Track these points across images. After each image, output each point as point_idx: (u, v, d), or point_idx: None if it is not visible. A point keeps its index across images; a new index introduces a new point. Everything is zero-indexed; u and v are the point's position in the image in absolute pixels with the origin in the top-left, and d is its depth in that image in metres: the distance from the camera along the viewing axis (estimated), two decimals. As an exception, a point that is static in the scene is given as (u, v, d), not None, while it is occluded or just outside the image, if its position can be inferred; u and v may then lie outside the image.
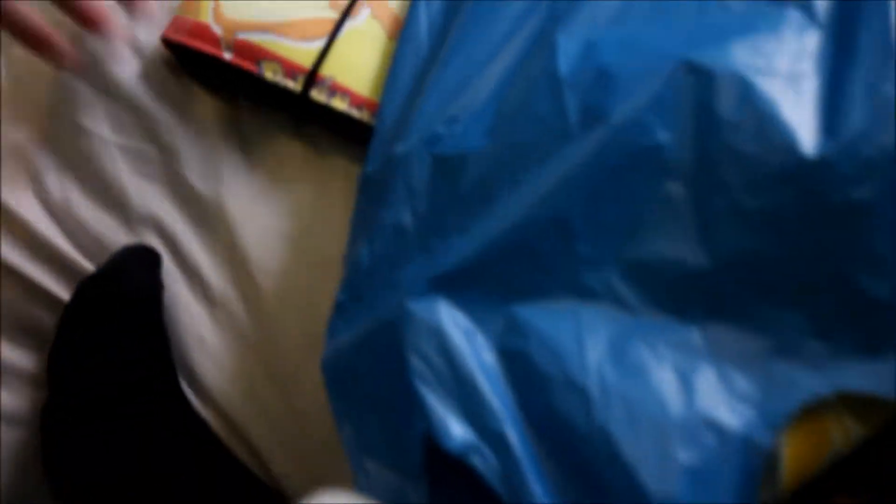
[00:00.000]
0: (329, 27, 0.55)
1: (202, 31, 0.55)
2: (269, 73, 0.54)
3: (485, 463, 0.37)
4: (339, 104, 0.55)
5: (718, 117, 0.37)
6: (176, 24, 0.57)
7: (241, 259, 0.60)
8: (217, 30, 0.55)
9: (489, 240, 0.40)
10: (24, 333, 0.63)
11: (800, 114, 0.36)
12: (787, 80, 0.37)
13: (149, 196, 0.62)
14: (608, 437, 0.36)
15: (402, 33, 0.55)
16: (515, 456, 0.37)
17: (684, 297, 0.38)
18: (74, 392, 0.59)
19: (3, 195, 0.62)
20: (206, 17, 0.55)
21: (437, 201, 0.45)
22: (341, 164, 0.61)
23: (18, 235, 0.63)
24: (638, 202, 0.38)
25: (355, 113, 0.56)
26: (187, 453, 0.59)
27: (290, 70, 0.55)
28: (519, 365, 0.39)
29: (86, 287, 0.61)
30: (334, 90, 0.55)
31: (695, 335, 0.38)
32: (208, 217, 0.61)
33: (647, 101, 0.39)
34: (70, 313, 0.61)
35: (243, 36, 0.54)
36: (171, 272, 0.62)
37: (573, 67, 0.42)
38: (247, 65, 0.54)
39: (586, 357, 0.38)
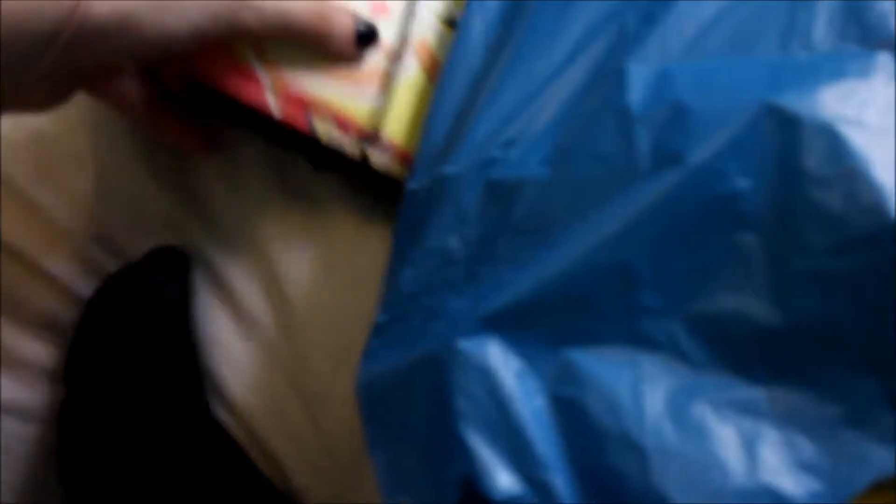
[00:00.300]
0: (381, 76, 0.48)
1: (243, 74, 0.46)
2: (322, 130, 0.47)
3: (530, 514, 0.36)
4: (396, 169, 0.50)
5: (803, 169, 0.35)
6: (207, 58, 0.46)
7: (272, 271, 0.59)
8: (263, 75, 0.46)
9: (545, 279, 0.38)
10: (42, 327, 0.62)
11: (890, 172, 0.34)
12: (878, 134, 0.35)
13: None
14: (664, 499, 0.34)
15: (453, 43, 0.53)
16: (563, 509, 0.35)
17: (751, 356, 0.36)
18: (93, 390, 0.58)
19: (31, 191, 0.61)
20: (248, 58, 0.47)
21: (488, 229, 0.43)
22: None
23: (39, 227, 0.62)
24: (709, 252, 0.36)
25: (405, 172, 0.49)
26: (205, 459, 0.58)
27: (346, 127, 0.48)
28: (572, 414, 0.37)
29: (110, 283, 0.59)
30: (391, 153, 0.49)
31: (760, 396, 0.36)
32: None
33: (726, 145, 0.36)
34: (92, 309, 0.60)
35: (294, 85, 0.47)
36: (198, 280, 0.60)
37: (644, 101, 0.40)
38: (298, 119, 0.47)
39: (644, 411, 0.36)
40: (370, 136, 0.47)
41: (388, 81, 0.47)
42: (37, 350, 0.62)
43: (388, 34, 0.48)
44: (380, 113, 0.47)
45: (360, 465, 0.56)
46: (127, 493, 0.56)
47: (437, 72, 0.48)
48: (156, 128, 0.51)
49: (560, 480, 0.36)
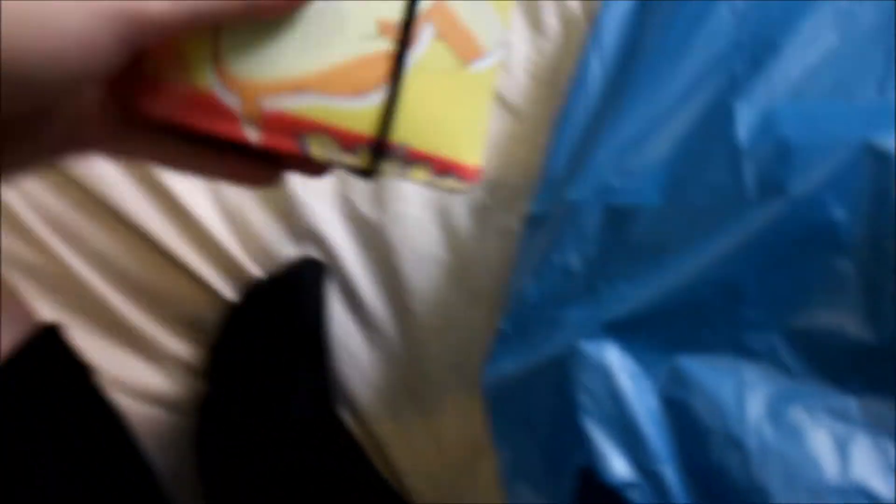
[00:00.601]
0: (385, 67, 0.35)
1: (205, 104, 0.34)
2: (318, 150, 0.35)
3: (642, 499, 0.40)
4: (420, 176, 0.38)
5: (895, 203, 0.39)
6: (156, 92, 0.34)
7: (398, 283, 0.65)
8: (230, 100, 0.34)
9: (660, 293, 0.43)
10: (186, 325, 0.69)
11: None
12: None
13: (317, 213, 0.67)
14: (765, 493, 0.39)
15: (573, 81, 0.58)
16: (672, 496, 0.40)
17: (845, 368, 0.40)
18: (233, 389, 0.64)
19: (182, 193, 0.67)
20: (207, 79, 0.33)
21: (606, 248, 0.48)
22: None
23: (193, 233, 0.68)
24: (808, 274, 0.41)
25: (438, 183, 0.39)
26: (330, 458, 0.63)
27: (349, 141, 0.35)
28: (681, 413, 0.42)
29: (257, 291, 0.65)
30: (410, 160, 0.37)
31: (852, 404, 0.40)
32: (371, 239, 0.66)
33: (827, 179, 0.41)
34: (239, 314, 0.66)
35: (272, 103, 0.34)
36: (331, 288, 0.67)
37: (752, 137, 0.45)
38: (285, 145, 0.35)
39: (746, 414, 0.40)
40: (378, 144, 0.35)
41: (391, 68, 0.35)
42: (181, 346, 0.69)
43: (390, 7, 0.35)
44: (385, 111, 0.35)
45: (470, 469, 0.61)
46: (258, 485, 0.62)
47: (458, 35, 0.36)
48: (197, 172, 0.37)
49: (670, 472, 0.41)
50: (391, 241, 0.65)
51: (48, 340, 0.50)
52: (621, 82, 0.55)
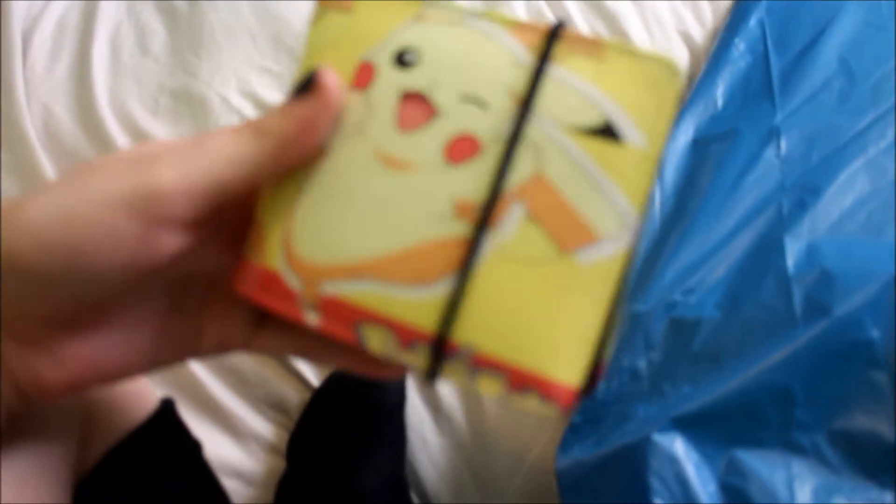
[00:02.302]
0: (457, 254, 0.30)
1: (274, 284, 0.32)
2: (375, 343, 0.30)
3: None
4: (491, 388, 0.30)
5: (924, 326, 0.47)
6: (246, 271, 0.33)
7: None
8: (293, 282, 0.32)
9: (719, 394, 0.51)
10: (270, 406, 0.75)
11: None
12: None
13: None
14: (812, 569, 0.45)
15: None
16: (730, 572, 0.47)
17: (882, 466, 0.47)
18: (311, 469, 0.69)
19: None
20: (276, 261, 0.32)
21: (670, 354, 0.56)
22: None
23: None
24: (849, 383, 0.48)
25: (517, 400, 0.30)
26: None
27: (407, 337, 0.30)
28: (738, 499, 0.48)
29: (339, 378, 0.72)
30: (478, 366, 0.30)
31: (888, 499, 0.47)
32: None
33: (864, 303, 0.49)
34: (319, 399, 0.72)
35: (331, 289, 0.31)
36: (410, 380, 0.73)
37: (799, 266, 0.53)
38: (342, 332, 0.31)
39: (796, 501, 0.47)
40: (437, 342, 0.29)
41: (464, 257, 0.29)
42: (263, 425, 0.75)
43: (473, 184, 0.30)
44: (449, 304, 0.29)
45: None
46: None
47: (559, 217, 0.29)
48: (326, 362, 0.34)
49: (727, 550, 0.48)
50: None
51: (164, 415, 0.55)
52: (681, 213, 0.64)
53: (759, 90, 0.70)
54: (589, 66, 0.29)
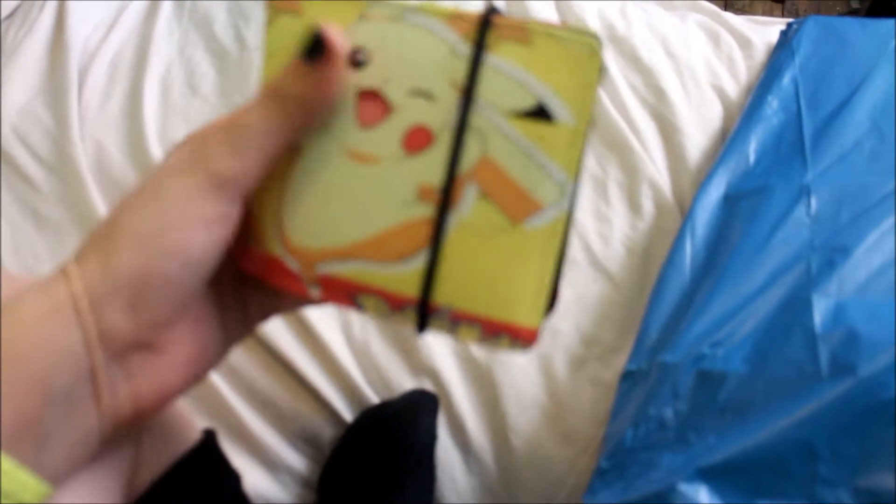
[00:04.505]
0: (426, 232, 0.37)
1: (277, 266, 0.39)
2: (374, 310, 0.38)
3: None
4: (470, 335, 0.38)
5: (948, 389, 0.48)
6: (249, 254, 0.40)
7: (500, 419, 0.74)
8: (292, 264, 0.39)
9: (745, 447, 0.52)
10: (304, 440, 0.77)
11: None
12: None
13: (434, 351, 0.77)
14: None
15: (668, 260, 0.69)
16: None
17: (904, 524, 0.48)
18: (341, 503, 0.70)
19: (318, 326, 0.78)
20: (275, 247, 0.39)
21: (697, 406, 0.57)
22: (595, 354, 0.75)
23: (321, 359, 0.78)
24: (873, 442, 0.49)
25: (491, 343, 0.39)
26: None
27: (396, 302, 0.38)
28: (761, 551, 0.50)
29: (372, 414, 0.73)
30: (457, 320, 0.37)
31: (909, 556, 0.48)
32: (480, 379, 0.75)
33: (889, 365, 0.50)
34: (352, 436, 0.73)
35: (325, 269, 0.38)
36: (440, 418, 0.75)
37: (826, 325, 0.55)
38: (343, 302, 0.39)
39: (819, 555, 0.48)
40: (421, 306, 0.37)
41: (432, 234, 0.36)
42: (296, 458, 0.76)
43: (430, 170, 0.36)
44: (427, 277, 0.36)
45: None
46: None
47: (507, 192, 0.35)
48: None
49: None
50: (497, 382, 0.74)
51: (208, 445, 0.55)
52: (711, 267, 0.66)
53: (791, 148, 0.71)
54: (519, 51, 0.34)
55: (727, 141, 0.77)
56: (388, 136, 0.36)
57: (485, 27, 0.34)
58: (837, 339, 0.54)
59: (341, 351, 0.78)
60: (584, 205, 0.81)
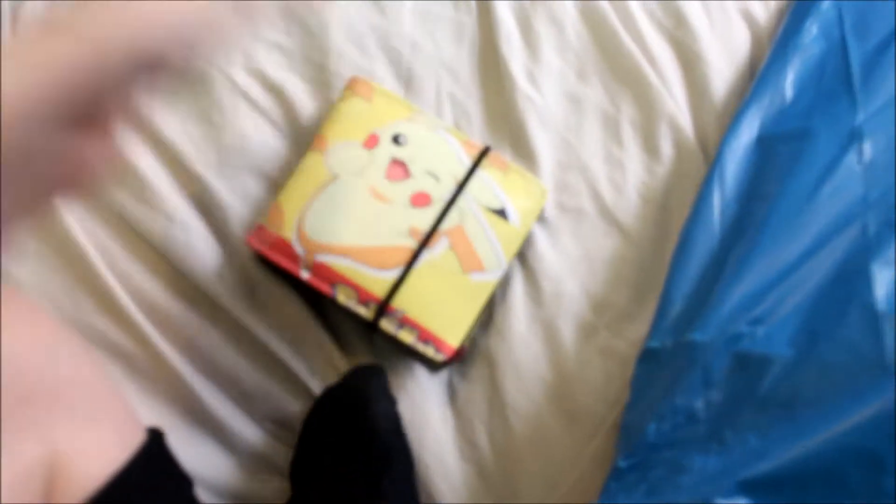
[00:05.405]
0: (406, 257, 0.59)
1: (284, 248, 0.59)
2: (343, 298, 0.58)
3: None
4: (407, 337, 0.59)
5: None
6: (260, 233, 0.60)
7: (497, 397, 0.65)
8: (298, 249, 0.58)
9: (795, 454, 0.44)
10: (274, 422, 0.67)
11: None
12: None
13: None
14: None
15: (693, 214, 0.60)
16: None
17: None
18: (315, 491, 0.62)
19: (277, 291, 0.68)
20: (290, 233, 0.58)
21: (733, 396, 0.48)
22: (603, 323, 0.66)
23: (285, 327, 0.67)
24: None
25: (420, 348, 0.60)
26: None
27: (364, 297, 0.58)
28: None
29: (325, 404, 0.63)
30: (403, 323, 0.59)
31: None
32: (474, 349, 0.66)
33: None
34: (311, 426, 0.64)
35: (322, 258, 0.58)
36: (428, 394, 0.65)
37: (890, 300, 0.45)
38: (323, 287, 0.58)
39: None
40: (383, 304, 0.58)
41: (409, 259, 0.58)
42: (265, 441, 0.66)
43: (423, 221, 0.59)
44: (396, 285, 0.58)
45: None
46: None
47: (466, 251, 0.60)
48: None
49: None
50: (493, 353, 0.65)
51: (151, 451, 0.49)
52: (745, 225, 0.56)
53: (836, 83, 0.61)
54: (499, 174, 0.62)
55: (759, 73, 0.66)
56: (402, 190, 0.59)
57: (483, 154, 0.62)
58: (906, 320, 0.45)
59: (303, 314, 0.67)
60: (592, 147, 0.70)
